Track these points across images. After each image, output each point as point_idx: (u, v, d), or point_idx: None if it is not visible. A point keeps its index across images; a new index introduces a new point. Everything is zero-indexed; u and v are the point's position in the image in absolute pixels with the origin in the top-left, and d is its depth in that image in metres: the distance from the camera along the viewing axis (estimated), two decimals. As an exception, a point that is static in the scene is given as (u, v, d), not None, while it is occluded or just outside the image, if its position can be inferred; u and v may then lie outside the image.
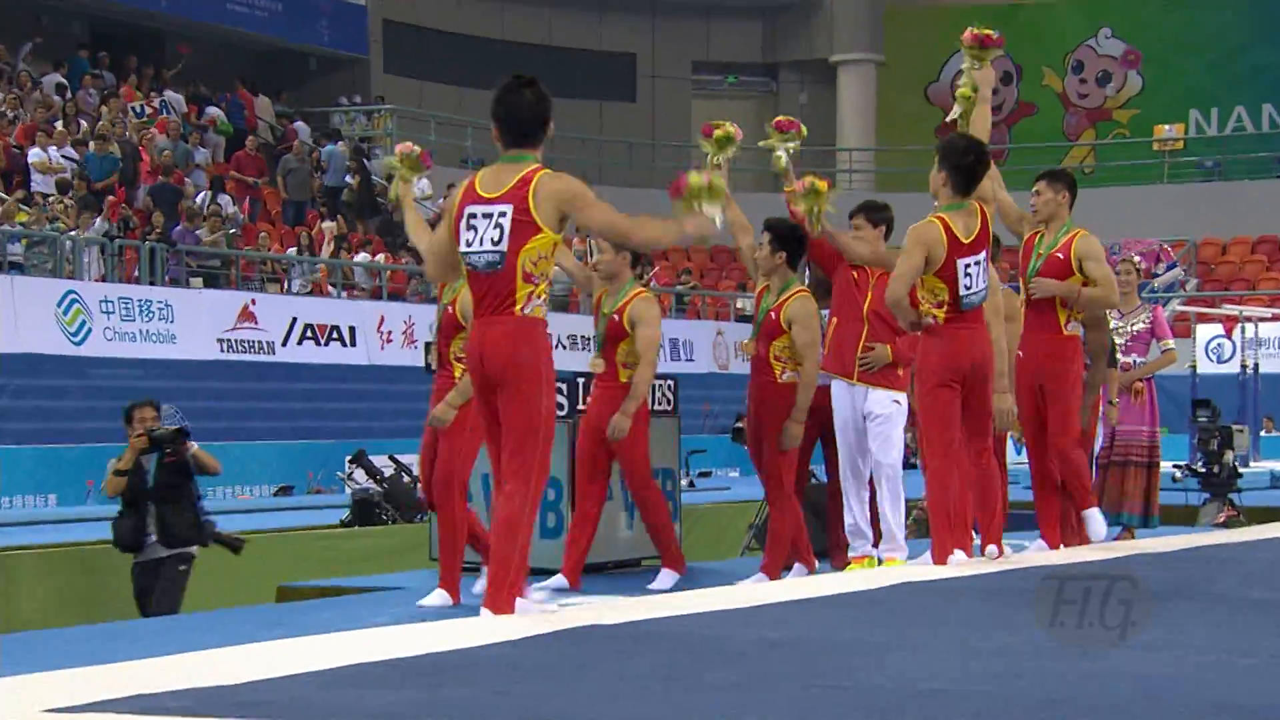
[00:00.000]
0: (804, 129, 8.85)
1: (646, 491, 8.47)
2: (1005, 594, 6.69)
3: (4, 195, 20.03)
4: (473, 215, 6.10)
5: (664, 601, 6.52)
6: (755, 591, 6.88)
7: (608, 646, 5.08)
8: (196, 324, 19.54)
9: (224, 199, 23.35)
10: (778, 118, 9.00)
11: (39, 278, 18.81)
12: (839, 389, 8.50)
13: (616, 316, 8.18)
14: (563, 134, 33.43)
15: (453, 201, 6.21)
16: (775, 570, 8.49)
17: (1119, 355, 10.50)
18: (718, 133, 8.48)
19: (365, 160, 27.29)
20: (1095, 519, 8.54)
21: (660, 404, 9.75)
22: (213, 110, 26.42)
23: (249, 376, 19.76)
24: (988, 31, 8.33)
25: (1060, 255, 8.48)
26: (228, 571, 10.47)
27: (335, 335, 21.28)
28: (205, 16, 27.96)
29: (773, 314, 8.38)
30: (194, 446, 9.90)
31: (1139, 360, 10.86)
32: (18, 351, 17.28)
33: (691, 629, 5.54)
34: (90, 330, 18.29)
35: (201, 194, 22.95)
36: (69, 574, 10.79)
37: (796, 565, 8.67)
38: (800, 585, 7.04)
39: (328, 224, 24.50)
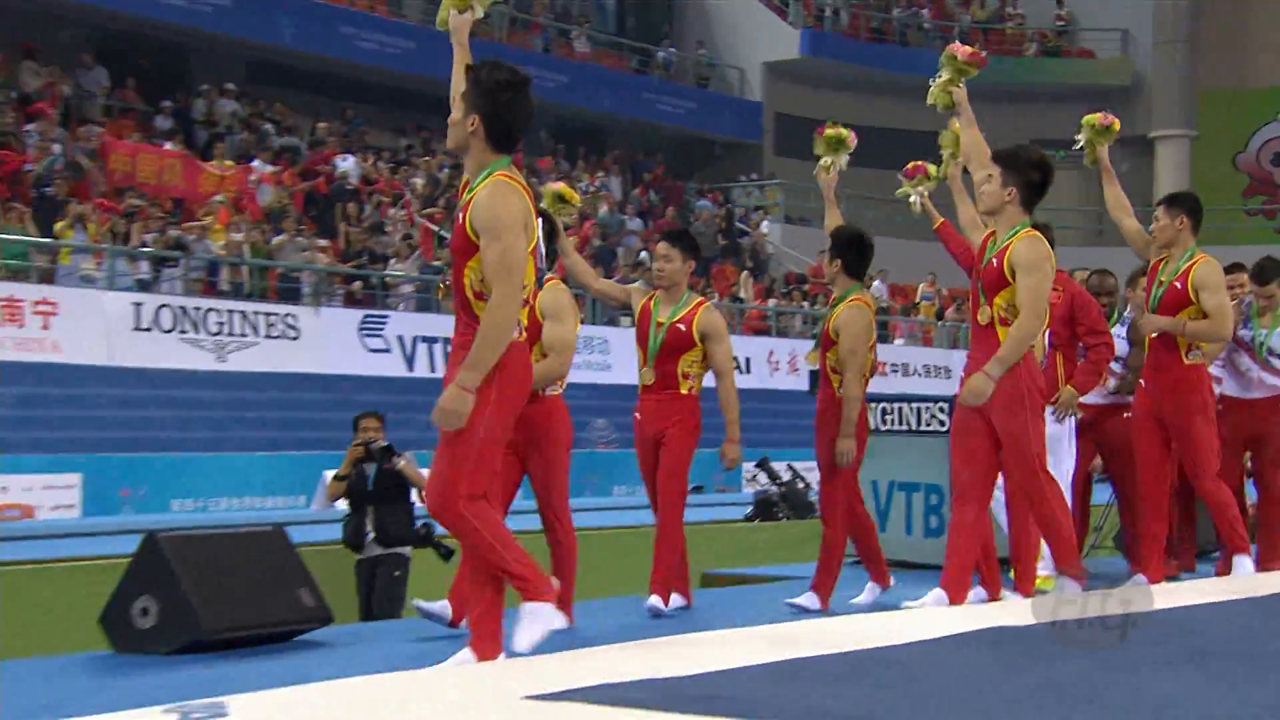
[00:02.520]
0: (933, 169, 7.20)
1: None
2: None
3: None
4: None
5: (1065, 602, 5.34)
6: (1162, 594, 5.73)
7: (1025, 648, 4.24)
8: (628, 356, 19.56)
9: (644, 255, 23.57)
10: (907, 165, 7.44)
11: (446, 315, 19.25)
12: None
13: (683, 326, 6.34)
14: (920, 201, 32.53)
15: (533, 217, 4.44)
16: (828, 591, 6.58)
17: None
18: (829, 132, 7.05)
19: (730, 209, 27.65)
20: (1243, 564, 6.71)
21: (931, 425, 8.62)
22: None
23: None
24: (981, 53, 6.59)
25: (1178, 284, 6.71)
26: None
27: (735, 365, 21.37)
28: (639, 113, 28.30)
29: (827, 323, 6.59)
30: (401, 461, 8.69)
31: None
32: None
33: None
34: (548, 362, 18.66)
35: (638, 243, 23.20)
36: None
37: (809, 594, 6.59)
38: (1198, 588, 6.01)
39: (744, 274, 24.95)
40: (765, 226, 28.45)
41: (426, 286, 19.25)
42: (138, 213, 17.26)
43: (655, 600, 6.14)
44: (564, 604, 5.56)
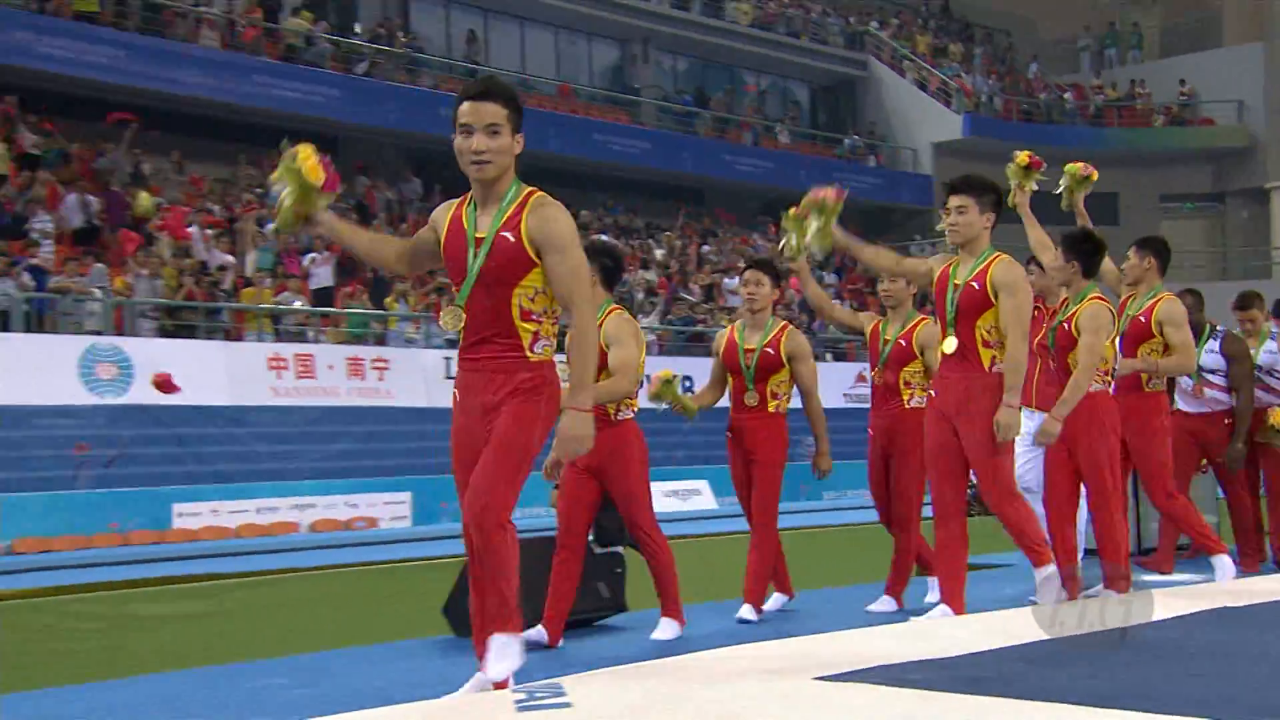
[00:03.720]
0: None
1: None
2: None
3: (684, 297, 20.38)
4: None
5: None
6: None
7: (1250, 624, 3.86)
8: (834, 387, 19.46)
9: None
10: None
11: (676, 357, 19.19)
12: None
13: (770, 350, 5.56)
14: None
15: None
16: (900, 593, 5.84)
17: None
18: (792, 212, 5.36)
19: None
20: (1222, 564, 5.81)
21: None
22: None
23: (847, 417, 19.30)
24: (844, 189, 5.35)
25: (1142, 319, 6.03)
26: (858, 550, 9.62)
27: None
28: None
29: (902, 340, 5.87)
30: None
31: None
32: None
33: None
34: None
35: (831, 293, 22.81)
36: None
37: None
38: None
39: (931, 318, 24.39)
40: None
41: (666, 334, 19.20)
42: (445, 288, 17.74)
43: (748, 609, 5.46)
44: (672, 612, 5.01)
